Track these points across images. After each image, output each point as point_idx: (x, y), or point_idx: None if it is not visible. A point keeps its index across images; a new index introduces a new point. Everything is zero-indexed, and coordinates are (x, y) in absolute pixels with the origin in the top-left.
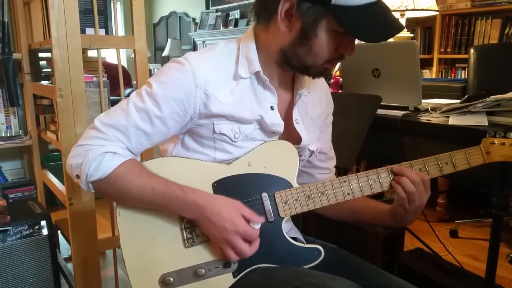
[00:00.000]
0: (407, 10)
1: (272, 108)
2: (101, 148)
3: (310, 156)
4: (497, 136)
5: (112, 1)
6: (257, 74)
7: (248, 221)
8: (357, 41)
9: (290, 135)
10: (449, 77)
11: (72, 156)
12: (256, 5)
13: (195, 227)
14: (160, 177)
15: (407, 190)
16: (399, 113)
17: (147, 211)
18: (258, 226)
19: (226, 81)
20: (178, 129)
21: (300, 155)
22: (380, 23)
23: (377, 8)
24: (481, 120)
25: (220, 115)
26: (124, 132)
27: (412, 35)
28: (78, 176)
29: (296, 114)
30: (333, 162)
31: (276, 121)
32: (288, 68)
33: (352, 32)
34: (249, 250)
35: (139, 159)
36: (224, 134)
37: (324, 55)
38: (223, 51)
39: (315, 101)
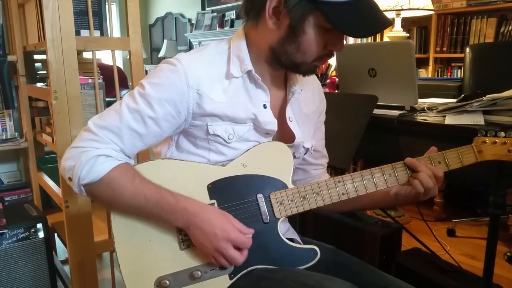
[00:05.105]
0: (402, 9)
1: (265, 106)
2: (95, 150)
3: (305, 154)
4: (488, 135)
5: (107, 3)
6: (249, 73)
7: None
8: (352, 41)
9: (284, 133)
10: (445, 76)
11: (65, 158)
12: (245, 3)
13: None
14: (153, 184)
15: (425, 185)
16: (396, 112)
17: None
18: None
19: (218, 81)
20: (172, 130)
21: (294, 155)
22: (368, 18)
23: (364, 4)
24: (478, 119)
25: (213, 114)
26: (117, 133)
27: (407, 34)
28: (70, 179)
29: (289, 112)
30: (326, 160)
31: (269, 119)
32: (278, 66)
33: (340, 27)
34: (241, 257)
35: (133, 162)
36: (218, 135)
37: (313, 52)
38: (214, 51)
39: (308, 98)
